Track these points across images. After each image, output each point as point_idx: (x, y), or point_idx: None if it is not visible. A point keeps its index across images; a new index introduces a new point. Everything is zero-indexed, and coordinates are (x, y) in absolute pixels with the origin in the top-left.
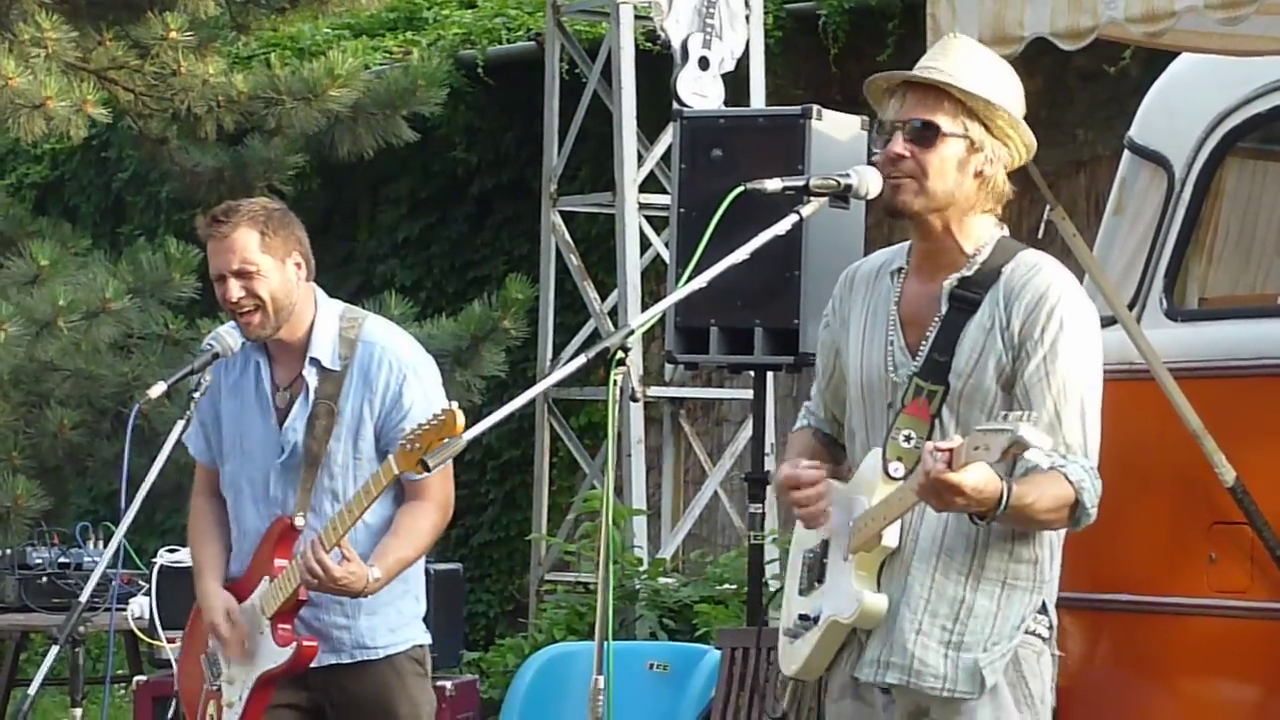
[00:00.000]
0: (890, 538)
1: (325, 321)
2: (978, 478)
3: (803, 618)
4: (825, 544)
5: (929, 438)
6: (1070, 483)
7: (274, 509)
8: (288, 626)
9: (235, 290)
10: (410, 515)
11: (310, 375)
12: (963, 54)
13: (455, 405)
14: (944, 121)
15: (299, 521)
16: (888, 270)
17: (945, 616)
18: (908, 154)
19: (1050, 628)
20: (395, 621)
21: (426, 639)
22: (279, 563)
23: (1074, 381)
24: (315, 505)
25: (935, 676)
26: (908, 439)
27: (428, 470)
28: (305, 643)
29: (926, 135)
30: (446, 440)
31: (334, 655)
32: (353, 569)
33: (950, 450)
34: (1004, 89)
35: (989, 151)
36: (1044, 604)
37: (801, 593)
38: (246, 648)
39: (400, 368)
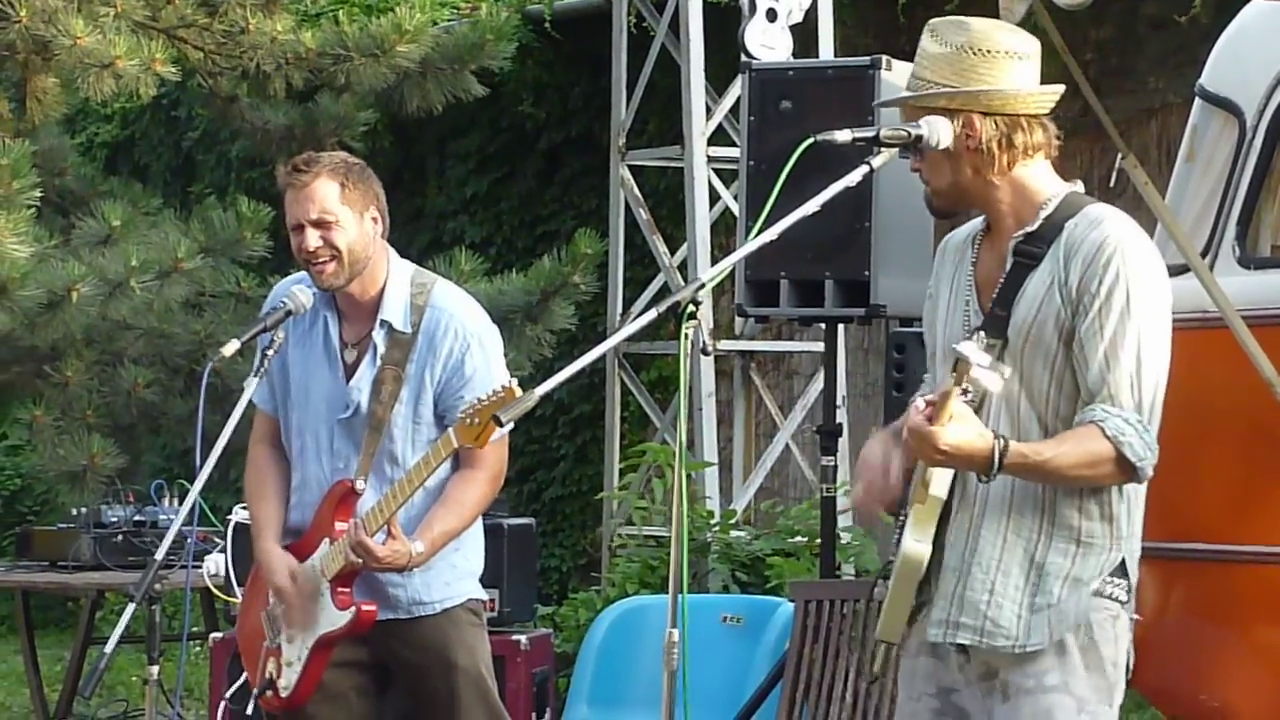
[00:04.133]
0: (938, 488)
1: (397, 284)
2: (956, 434)
3: (885, 578)
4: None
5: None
6: (1107, 437)
7: (337, 463)
8: (347, 590)
9: (313, 239)
10: (459, 486)
11: (379, 337)
12: (924, 49)
13: (514, 381)
14: (913, 129)
15: (360, 485)
16: (971, 237)
17: (1018, 576)
18: (918, 167)
19: (1129, 590)
20: (450, 576)
21: (482, 594)
22: (340, 525)
23: (1129, 334)
24: (375, 466)
25: (1007, 636)
26: (964, 393)
27: (500, 425)
28: (365, 607)
29: (915, 147)
30: (518, 397)
31: (390, 612)
32: (396, 547)
33: (932, 403)
34: (943, 63)
35: (957, 128)
36: (1123, 562)
37: (892, 554)
38: (307, 608)
39: (465, 336)
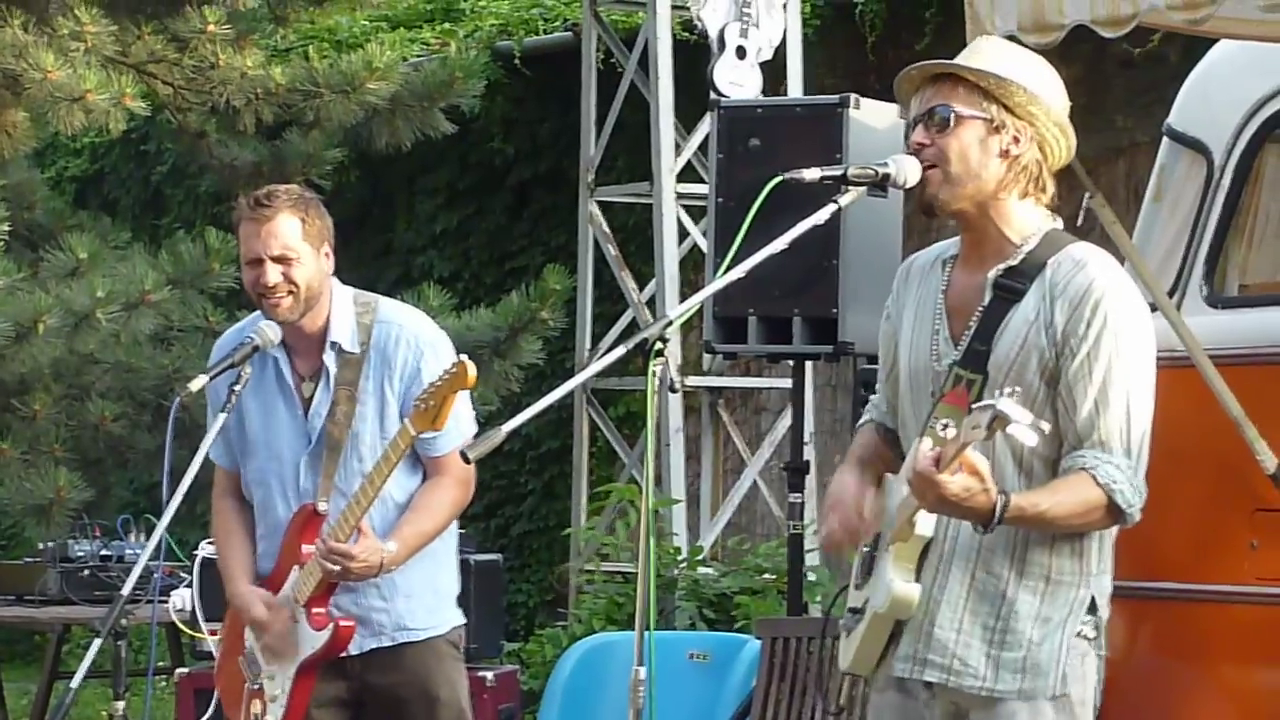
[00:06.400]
0: (924, 527)
1: (341, 307)
2: (963, 484)
3: (852, 611)
4: (879, 537)
5: None
6: (1099, 485)
7: (305, 500)
8: (322, 610)
9: (273, 275)
10: (429, 491)
11: (330, 360)
12: (987, 47)
13: (465, 357)
14: (959, 105)
15: (322, 507)
16: (940, 260)
17: (986, 614)
18: (929, 141)
19: (1098, 628)
20: (432, 603)
21: (462, 619)
22: (306, 549)
23: (1117, 380)
24: (344, 488)
25: (975, 676)
26: (944, 427)
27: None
28: (342, 623)
29: (945, 120)
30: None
31: (374, 639)
32: (369, 543)
33: (939, 450)
34: (1026, 72)
35: (1012, 130)
36: (1093, 599)
37: (856, 587)
38: (287, 637)
39: (418, 344)
